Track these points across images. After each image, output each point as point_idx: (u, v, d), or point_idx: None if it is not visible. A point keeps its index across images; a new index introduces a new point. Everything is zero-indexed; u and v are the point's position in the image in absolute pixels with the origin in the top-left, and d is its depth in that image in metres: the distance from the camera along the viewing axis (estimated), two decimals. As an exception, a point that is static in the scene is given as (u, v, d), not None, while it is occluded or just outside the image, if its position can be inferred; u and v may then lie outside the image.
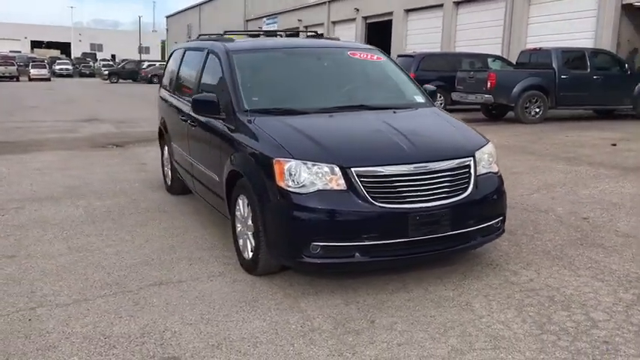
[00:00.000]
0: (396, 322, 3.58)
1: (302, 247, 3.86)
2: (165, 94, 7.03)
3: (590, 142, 11.43)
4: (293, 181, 3.89)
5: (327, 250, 3.85)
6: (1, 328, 3.54)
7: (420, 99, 5.21)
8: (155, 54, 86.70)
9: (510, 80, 14.87)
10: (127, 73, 49.40)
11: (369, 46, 5.83)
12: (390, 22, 30.67)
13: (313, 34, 6.49)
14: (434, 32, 26.50)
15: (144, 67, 49.39)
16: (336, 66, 5.42)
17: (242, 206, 4.45)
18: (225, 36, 5.88)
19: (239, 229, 4.58)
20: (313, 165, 3.89)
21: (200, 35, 6.89)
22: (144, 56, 68.14)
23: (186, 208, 6.37)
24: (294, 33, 6.40)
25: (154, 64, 50.77)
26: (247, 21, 51.94)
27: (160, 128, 7.26)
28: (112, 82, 46.09)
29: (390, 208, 3.83)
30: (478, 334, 3.41)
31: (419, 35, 27.96)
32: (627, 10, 18.78)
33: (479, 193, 4.14)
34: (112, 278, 4.35)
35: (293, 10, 42.74)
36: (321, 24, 38.31)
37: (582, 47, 16.88)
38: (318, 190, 3.85)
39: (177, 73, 6.55)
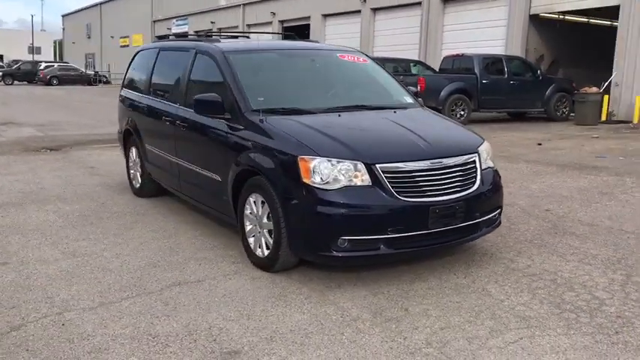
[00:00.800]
0: (428, 308, 3.80)
1: (330, 241, 3.99)
2: (134, 95, 6.87)
3: (518, 142, 12.27)
4: (319, 178, 4.01)
5: (354, 243, 4.01)
6: (38, 333, 3.42)
7: (409, 99, 5.49)
8: (47, 54, 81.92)
9: (438, 84, 15.63)
10: (23, 74, 46.95)
11: (353, 49, 6.03)
12: (307, 26, 31.06)
13: (291, 34, 6.59)
14: (352, 37, 27.13)
15: (41, 68, 46.95)
16: (329, 67, 5.59)
17: (254, 205, 4.51)
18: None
19: (249, 228, 4.63)
20: (338, 162, 4.04)
21: (169, 36, 6.82)
22: (36, 57, 64.61)
23: (163, 210, 6.28)
24: (285, 34, 6.44)
25: (53, 65, 48.38)
26: (155, 22, 50.61)
27: (125, 130, 7.07)
28: (7, 84, 43.48)
29: (412, 201, 4.05)
30: (507, 315, 3.69)
31: (337, 40, 28.51)
32: (534, 20, 20.23)
33: (484, 186, 4.45)
34: (127, 281, 4.27)
35: (205, 12, 42.19)
36: (236, 27, 38.10)
37: (499, 54, 18.01)
38: (345, 186, 4.00)
39: (152, 73, 6.44)
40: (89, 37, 66.30)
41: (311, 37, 30.74)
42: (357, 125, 4.64)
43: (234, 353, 3.22)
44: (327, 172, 4.02)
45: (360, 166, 4.04)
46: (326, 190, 4.00)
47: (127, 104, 7.09)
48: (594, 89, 16.20)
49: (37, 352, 3.22)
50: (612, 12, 17.89)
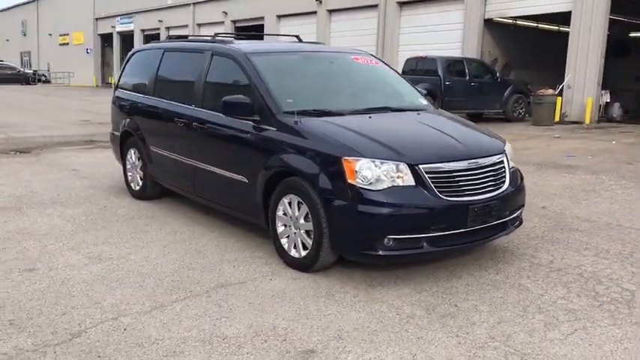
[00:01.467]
0: (476, 304, 3.95)
1: (377, 241, 4.09)
2: (134, 96, 6.75)
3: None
4: (364, 178, 4.10)
5: (399, 242, 4.11)
6: (103, 339, 3.36)
7: (424, 101, 5.64)
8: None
9: (404, 85, 15.91)
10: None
11: (364, 52, 6.13)
12: (261, 26, 30.95)
13: (295, 36, 6.62)
14: (308, 38, 27.15)
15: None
16: (346, 69, 5.67)
17: (288, 206, 4.54)
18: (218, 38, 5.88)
19: (281, 229, 4.66)
20: (382, 163, 4.14)
21: (170, 36, 6.75)
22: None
23: (171, 213, 6.21)
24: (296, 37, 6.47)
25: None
26: (97, 19, 49.22)
27: (123, 132, 6.91)
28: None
29: (454, 201, 4.19)
30: (553, 309, 3.88)
31: (292, 40, 28.58)
32: (488, 24, 20.90)
33: (511, 186, 4.65)
34: (168, 284, 4.23)
35: (152, 10, 41.35)
36: (185, 26, 37.57)
37: (461, 56, 18.52)
38: (391, 187, 4.10)
39: (157, 75, 6.35)
40: (25, 35, 63.70)
41: (265, 38, 30.66)
42: (389, 127, 4.75)
43: (310, 352, 3.27)
44: (371, 173, 4.11)
45: (403, 166, 4.14)
46: (372, 190, 4.08)
47: (126, 105, 6.95)
48: (550, 91, 16.92)
49: (111, 357, 3.17)
50: (563, 17, 18.68)
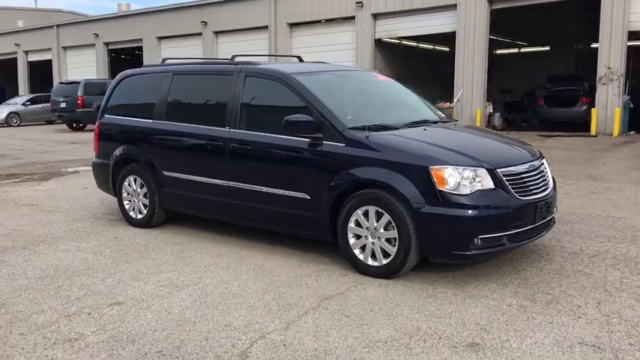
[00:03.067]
0: (564, 290, 4.40)
1: (468, 242, 4.44)
2: (135, 121, 6.51)
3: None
4: (452, 185, 4.45)
5: (486, 241, 4.50)
6: (272, 356, 3.38)
7: (441, 114, 6.12)
8: None
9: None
10: None
11: (373, 70, 6.48)
12: (139, 48, 30.03)
13: (297, 57, 6.81)
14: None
15: None
16: (376, 87, 5.99)
17: (363, 217, 4.76)
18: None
19: (353, 241, 4.85)
20: (464, 169, 4.51)
21: (165, 59, 6.65)
22: None
23: (193, 237, 6.09)
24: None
25: None
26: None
27: (120, 159, 6.60)
28: None
29: (527, 199, 4.67)
30: (627, 287, 4.46)
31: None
32: (378, 44, 22.17)
33: (554, 186, 5.23)
34: (274, 302, 4.26)
35: (6, 33, 38.37)
36: (49, 49, 35.35)
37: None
38: (476, 191, 4.48)
39: (169, 98, 6.20)
40: None
41: (145, 60, 29.83)
42: (448, 137, 5.15)
43: (475, 345, 3.54)
44: (456, 180, 4.46)
45: (482, 171, 4.55)
46: (461, 195, 4.44)
47: (121, 131, 6.68)
48: (447, 104, 18.33)
49: (303, 372, 3.20)
50: (450, 37, 20.37)
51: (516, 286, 4.54)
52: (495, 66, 25.35)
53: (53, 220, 7.04)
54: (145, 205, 6.50)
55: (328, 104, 5.07)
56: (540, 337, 3.62)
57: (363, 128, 4.89)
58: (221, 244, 5.83)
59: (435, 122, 5.66)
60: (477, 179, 4.52)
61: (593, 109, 17.35)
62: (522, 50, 26.61)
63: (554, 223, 5.32)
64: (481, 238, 4.46)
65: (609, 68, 16.92)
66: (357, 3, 21.81)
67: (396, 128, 5.14)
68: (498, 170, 4.59)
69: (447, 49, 23.91)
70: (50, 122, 27.51)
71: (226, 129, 5.60)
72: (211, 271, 5.00)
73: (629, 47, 17.05)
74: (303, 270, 4.98)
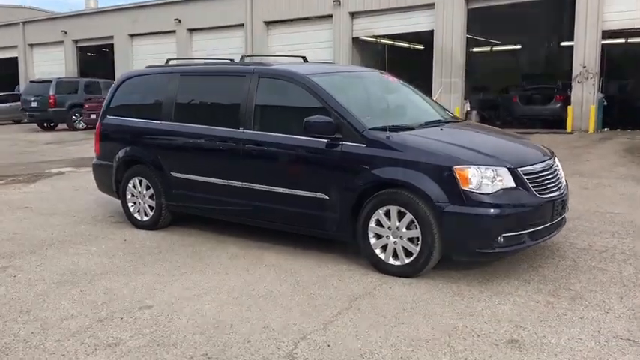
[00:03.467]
0: (585, 286, 4.53)
1: (493, 240, 4.53)
2: (141, 122, 6.43)
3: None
4: (475, 184, 4.53)
5: (508, 239, 4.60)
6: (319, 356, 3.41)
7: (449, 112, 6.21)
8: None
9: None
10: None
11: (380, 70, 6.54)
12: (110, 46, 29.53)
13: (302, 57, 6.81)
14: (167, 57, 26.56)
15: None
16: (387, 87, 6.05)
17: (384, 217, 4.81)
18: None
19: (373, 240, 4.90)
20: (486, 169, 4.60)
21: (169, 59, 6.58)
22: None
23: (203, 239, 6.06)
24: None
25: None
26: None
27: (125, 161, 6.52)
28: None
29: (545, 198, 4.79)
30: (644, 281, 4.62)
31: (149, 60, 27.67)
32: (355, 42, 22.27)
33: (566, 185, 5.36)
34: (305, 302, 4.28)
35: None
36: (15, 47, 34.45)
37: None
38: (499, 190, 4.57)
39: (177, 99, 6.14)
40: None
41: (116, 58, 29.35)
42: (465, 137, 5.24)
43: (514, 342, 3.62)
44: (479, 179, 4.55)
45: (504, 170, 4.64)
46: (486, 194, 4.52)
47: (125, 132, 6.59)
48: (427, 102, 18.52)
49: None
50: (428, 36, 20.60)
51: (537, 282, 4.65)
52: (468, 64, 25.83)
53: (54, 223, 6.90)
54: (151, 207, 6.43)
55: (347, 105, 5.10)
56: (575, 333, 3.72)
57: (383, 129, 4.94)
58: (233, 245, 5.81)
59: (448, 122, 5.74)
60: (498, 178, 4.61)
61: (568, 106, 17.75)
62: (494, 49, 27.03)
63: (565, 221, 5.45)
64: (504, 236, 4.55)
65: (584, 67, 17.34)
66: (334, 1, 21.86)
67: (413, 129, 5.20)
68: (519, 169, 4.69)
69: (422, 47, 24.18)
70: (17, 122, 26.82)
71: (240, 130, 5.58)
72: (232, 272, 4.99)
73: (603, 46, 17.50)
74: (323, 270, 5.01)
